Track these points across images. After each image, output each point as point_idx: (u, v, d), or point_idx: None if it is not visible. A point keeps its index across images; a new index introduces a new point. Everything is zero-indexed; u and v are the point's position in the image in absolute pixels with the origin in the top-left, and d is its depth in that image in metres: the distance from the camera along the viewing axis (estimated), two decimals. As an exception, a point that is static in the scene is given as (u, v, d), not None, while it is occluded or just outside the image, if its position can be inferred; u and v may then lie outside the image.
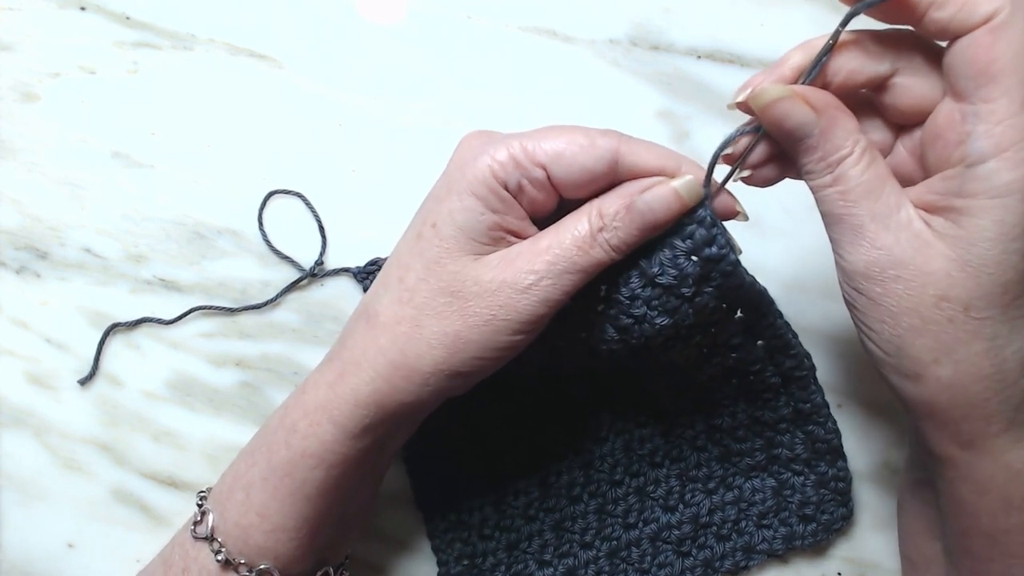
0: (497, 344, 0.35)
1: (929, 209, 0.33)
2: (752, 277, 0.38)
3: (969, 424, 0.33)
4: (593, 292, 0.37)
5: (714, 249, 0.35)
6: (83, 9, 0.52)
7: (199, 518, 0.38)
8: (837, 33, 0.33)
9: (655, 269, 0.36)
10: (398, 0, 0.52)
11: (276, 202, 0.50)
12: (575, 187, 0.35)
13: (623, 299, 0.37)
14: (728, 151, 0.35)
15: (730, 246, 0.35)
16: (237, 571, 0.37)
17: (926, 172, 0.34)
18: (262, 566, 0.37)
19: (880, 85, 0.34)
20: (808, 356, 0.43)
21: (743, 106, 0.34)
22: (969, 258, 0.31)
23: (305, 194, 0.50)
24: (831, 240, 0.34)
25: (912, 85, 0.33)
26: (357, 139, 0.51)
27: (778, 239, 0.50)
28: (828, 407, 0.44)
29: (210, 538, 0.37)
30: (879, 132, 0.36)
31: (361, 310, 0.38)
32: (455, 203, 0.35)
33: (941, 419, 0.33)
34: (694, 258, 0.35)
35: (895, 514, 0.44)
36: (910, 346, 0.32)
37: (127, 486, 0.48)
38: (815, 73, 0.33)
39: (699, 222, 0.35)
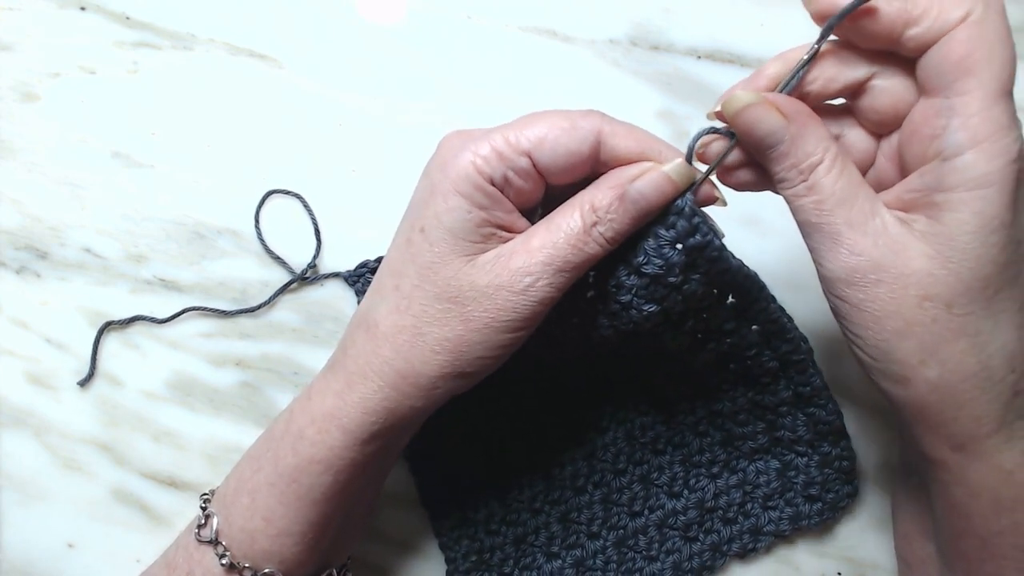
0: (499, 343, 0.35)
1: (907, 208, 0.33)
2: (740, 261, 0.38)
3: (959, 425, 0.33)
4: (582, 279, 0.37)
5: (697, 237, 0.35)
6: (83, 9, 0.52)
7: (203, 521, 0.38)
8: (814, 51, 0.33)
9: (640, 258, 0.36)
10: (398, 0, 0.52)
11: (276, 202, 0.50)
12: (561, 172, 0.35)
13: (610, 287, 0.37)
14: (702, 151, 0.35)
15: (713, 232, 0.35)
16: (241, 575, 0.37)
17: (904, 175, 0.34)
18: (267, 570, 0.37)
19: (857, 90, 0.34)
20: (805, 339, 0.43)
21: (720, 116, 0.34)
22: (949, 254, 0.31)
23: (305, 194, 0.50)
24: (810, 249, 0.34)
25: (888, 87, 0.34)
26: (357, 139, 0.51)
27: (777, 238, 0.50)
28: (828, 389, 0.44)
29: (215, 541, 0.37)
30: (860, 141, 0.36)
31: (359, 319, 0.37)
32: (440, 205, 0.34)
33: (932, 422, 0.33)
34: (679, 247, 0.35)
35: (895, 514, 0.44)
36: (896, 350, 0.33)
37: (127, 486, 0.48)
38: (792, 85, 0.33)
39: (677, 213, 0.35)
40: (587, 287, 0.38)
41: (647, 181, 0.34)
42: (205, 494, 0.40)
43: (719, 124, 0.35)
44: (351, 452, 0.36)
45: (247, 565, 0.37)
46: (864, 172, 0.36)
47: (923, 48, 0.31)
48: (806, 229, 0.34)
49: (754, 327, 0.42)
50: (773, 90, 0.34)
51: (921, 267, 0.31)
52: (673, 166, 0.34)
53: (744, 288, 0.39)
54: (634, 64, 0.52)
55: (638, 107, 0.51)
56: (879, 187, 0.34)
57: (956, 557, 0.36)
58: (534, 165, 0.34)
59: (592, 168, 0.35)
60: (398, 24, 0.52)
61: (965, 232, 0.31)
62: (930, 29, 0.31)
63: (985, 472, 0.33)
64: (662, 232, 0.35)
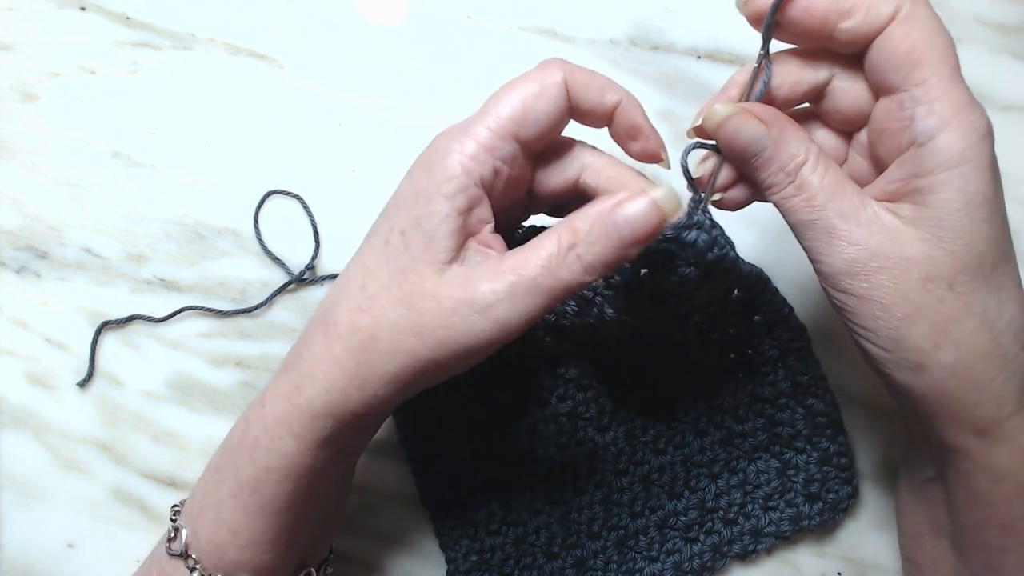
0: (449, 364, 0.33)
1: (892, 198, 0.33)
2: (750, 265, 0.38)
3: (981, 409, 0.33)
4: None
5: (715, 251, 0.35)
6: (83, 9, 0.52)
7: (173, 534, 0.38)
8: (762, 55, 0.34)
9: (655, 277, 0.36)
10: (398, 0, 0.52)
11: (277, 201, 0.50)
12: (545, 136, 0.35)
13: (620, 295, 0.37)
14: (697, 175, 0.36)
15: (729, 244, 0.35)
16: None
17: (879, 170, 0.35)
18: None
19: (820, 93, 0.35)
20: (804, 329, 0.43)
21: (700, 131, 0.35)
22: (941, 234, 0.31)
23: (305, 194, 0.50)
24: (805, 249, 0.34)
25: (849, 87, 0.34)
26: (357, 139, 0.51)
27: (778, 238, 0.50)
28: (826, 379, 0.45)
29: (185, 555, 0.37)
30: (831, 142, 0.37)
31: (319, 317, 0.36)
32: (423, 208, 0.33)
33: (952, 408, 0.33)
34: (693, 263, 0.35)
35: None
36: (908, 336, 0.32)
37: (127, 486, 0.48)
38: (760, 92, 0.34)
39: (697, 227, 0.35)
40: (590, 290, 0.39)
41: (634, 207, 0.31)
42: (175, 505, 0.39)
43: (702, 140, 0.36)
44: (306, 458, 0.35)
45: None
46: None
47: (857, 43, 0.32)
48: (800, 229, 0.34)
49: (756, 317, 0.42)
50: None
51: (918, 251, 0.32)
52: (661, 193, 0.31)
53: (750, 282, 0.40)
54: (634, 64, 0.52)
55: (638, 107, 0.51)
56: (856, 182, 0.35)
57: (977, 550, 0.36)
58: (520, 144, 0.34)
59: (567, 122, 0.35)
60: (398, 24, 0.52)
61: (953, 211, 0.31)
62: (863, 23, 0.32)
63: (1009, 455, 0.33)
64: (678, 250, 0.35)
